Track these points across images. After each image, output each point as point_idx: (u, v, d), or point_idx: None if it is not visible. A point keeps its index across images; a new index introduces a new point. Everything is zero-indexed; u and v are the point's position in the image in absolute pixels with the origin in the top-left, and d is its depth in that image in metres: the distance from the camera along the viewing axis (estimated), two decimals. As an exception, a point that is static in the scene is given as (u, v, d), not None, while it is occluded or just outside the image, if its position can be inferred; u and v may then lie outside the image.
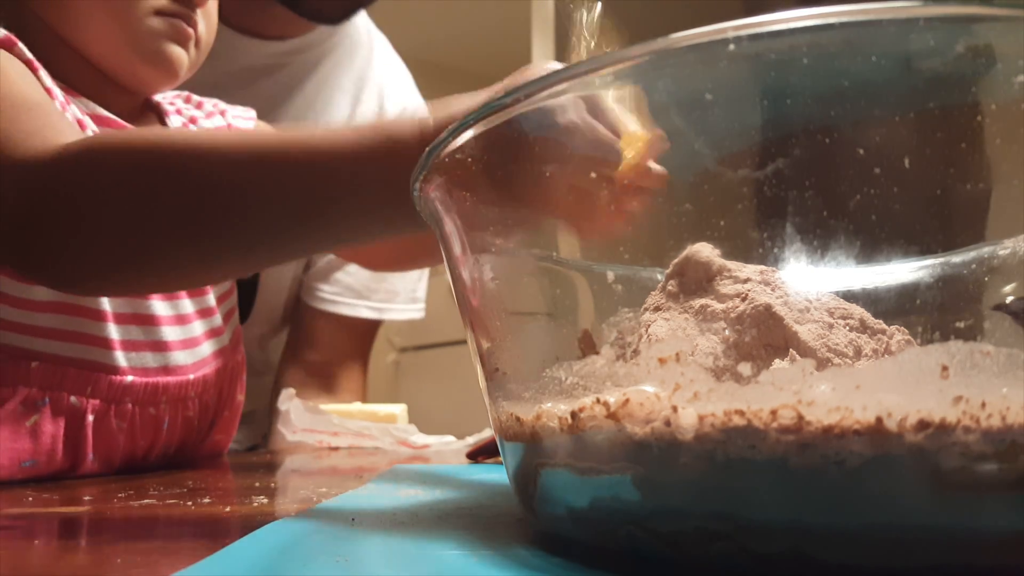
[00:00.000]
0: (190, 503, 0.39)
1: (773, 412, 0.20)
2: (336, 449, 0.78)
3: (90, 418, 0.55)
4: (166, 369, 0.59)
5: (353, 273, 0.93)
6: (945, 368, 0.21)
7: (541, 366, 0.29)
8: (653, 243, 0.30)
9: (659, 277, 0.30)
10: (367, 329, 0.97)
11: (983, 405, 0.20)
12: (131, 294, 0.55)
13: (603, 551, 0.24)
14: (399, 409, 0.83)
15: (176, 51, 0.57)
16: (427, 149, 0.29)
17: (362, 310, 0.94)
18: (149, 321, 0.58)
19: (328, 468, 0.61)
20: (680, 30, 0.22)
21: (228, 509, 0.37)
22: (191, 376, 0.61)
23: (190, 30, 0.57)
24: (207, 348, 0.63)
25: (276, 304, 0.94)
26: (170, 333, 0.59)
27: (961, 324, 0.25)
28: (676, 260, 0.29)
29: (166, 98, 0.65)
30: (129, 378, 0.56)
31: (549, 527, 0.28)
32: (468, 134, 0.27)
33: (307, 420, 0.76)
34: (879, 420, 0.19)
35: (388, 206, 0.39)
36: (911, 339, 0.27)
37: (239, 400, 0.69)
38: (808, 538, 0.20)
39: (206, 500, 0.40)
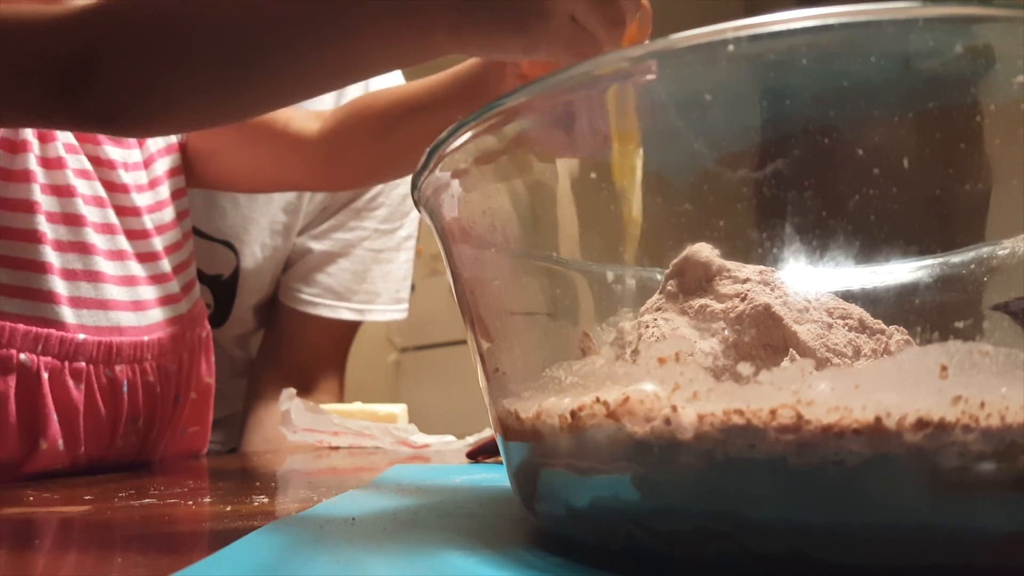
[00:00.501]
0: (191, 502, 0.39)
1: (772, 412, 0.20)
2: (336, 449, 0.78)
3: (45, 376, 0.54)
4: (119, 329, 0.58)
5: (334, 274, 0.92)
6: (944, 368, 0.21)
7: (541, 366, 0.29)
8: (653, 243, 0.30)
9: (659, 277, 0.30)
10: (346, 330, 0.96)
11: (982, 405, 0.20)
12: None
13: (603, 550, 0.24)
14: (399, 409, 0.83)
15: None
16: (427, 149, 0.29)
17: (343, 311, 0.92)
18: (95, 278, 0.57)
19: (328, 468, 0.61)
20: (680, 30, 0.22)
21: (229, 508, 0.37)
22: (145, 338, 0.60)
23: None
24: (159, 314, 0.62)
25: (255, 304, 0.93)
26: (116, 292, 0.59)
27: (960, 324, 0.25)
28: (675, 260, 0.29)
29: None
30: (80, 336, 0.56)
31: (549, 527, 0.28)
32: (468, 134, 0.27)
33: (307, 420, 0.76)
34: (878, 419, 0.19)
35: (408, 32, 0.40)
36: (910, 339, 0.28)
37: (208, 383, 0.68)
38: (807, 538, 0.20)
39: (207, 499, 0.40)
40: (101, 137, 0.61)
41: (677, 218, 0.28)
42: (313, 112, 0.71)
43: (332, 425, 0.76)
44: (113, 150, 0.61)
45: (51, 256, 0.55)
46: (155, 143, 0.65)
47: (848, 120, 0.25)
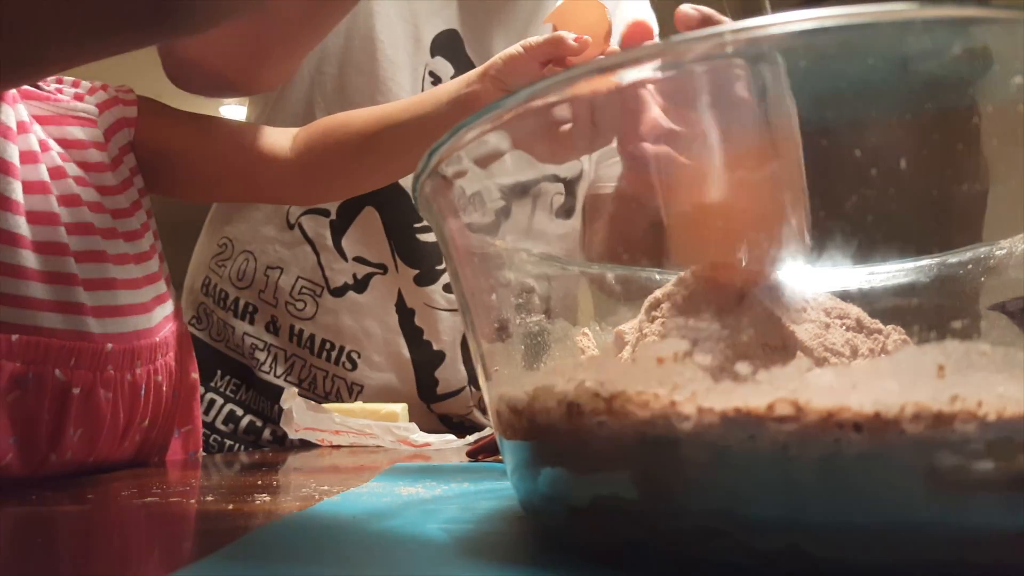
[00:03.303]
0: (192, 501, 0.39)
1: (770, 406, 0.20)
2: (338, 447, 0.78)
3: (75, 391, 0.54)
4: (137, 334, 0.58)
5: None
6: (941, 368, 0.21)
7: (540, 366, 0.30)
8: (652, 243, 0.30)
9: (658, 277, 0.30)
10: None
11: (979, 404, 0.20)
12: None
13: (603, 549, 0.24)
14: (400, 408, 0.83)
15: None
16: (428, 151, 0.29)
17: None
18: (110, 285, 0.57)
19: (330, 466, 0.61)
20: (679, 31, 0.22)
21: (231, 507, 0.37)
22: (156, 339, 0.60)
23: None
24: (160, 312, 0.62)
25: None
26: (127, 297, 0.59)
27: (958, 324, 0.25)
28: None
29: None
30: (109, 346, 0.56)
31: (549, 525, 0.28)
32: (469, 135, 0.27)
33: (309, 419, 0.76)
34: (876, 414, 0.19)
35: None
36: (907, 339, 0.28)
37: (193, 379, 0.68)
38: (807, 535, 0.20)
39: (209, 498, 0.40)
40: (87, 140, 0.60)
41: (677, 218, 0.28)
42: (281, 129, 0.71)
43: (333, 424, 0.76)
44: (95, 153, 0.61)
45: (74, 267, 0.55)
46: (117, 142, 0.64)
47: (846, 121, 0.25)
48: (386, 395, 0.90)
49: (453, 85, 0.64)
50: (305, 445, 0.80)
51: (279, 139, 0.70)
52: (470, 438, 0.74)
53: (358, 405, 0.84)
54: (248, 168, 0.69)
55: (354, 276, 0.91)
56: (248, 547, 0.26)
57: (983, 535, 0.20)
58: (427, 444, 0.76)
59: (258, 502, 0.38)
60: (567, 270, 0.32)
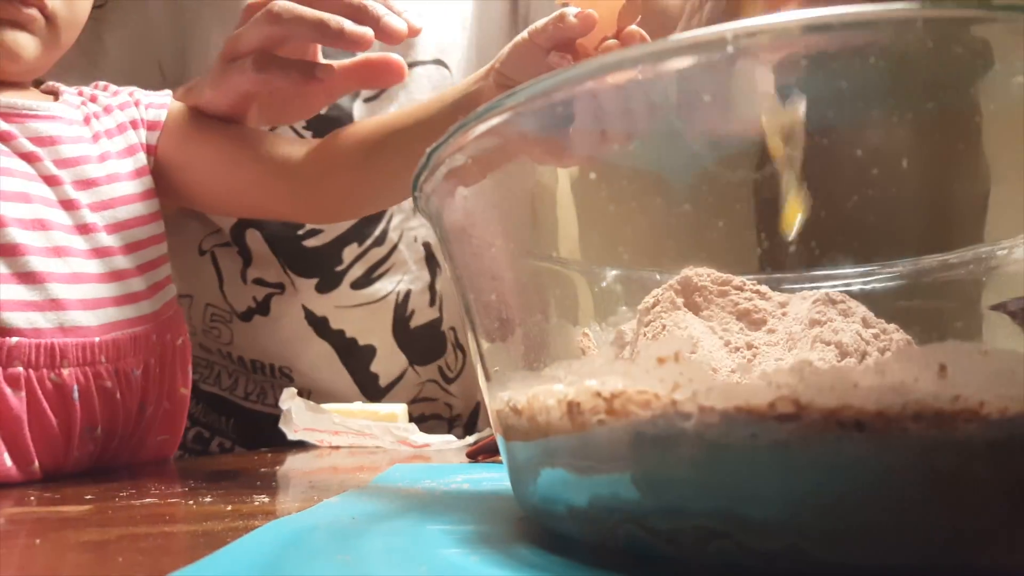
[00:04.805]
0: (191, 502, 0.39)
1: (772, 405, 0.20)
2: (337, 448, 0.78)
3: None
4: (62, 330, 0.55)
5: None
6: (943, 367, 0.21)
7: (540, 366, 0.30)
8: (652, 243, 0.30)
9: (657, 277, 0.30)
10: None
11: (981, 404, 0.20)
12: None
13: (603, 549, 0.24)
14: (400, 408, 0.83)
15: (14, 37, 0.54)
16: (428, 150, 0.29)
17: None
18: (28, 279, 0.54)
19: (329, 467, 0.61)
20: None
21: (229, 508, 0.37)
22: (96, 339, 0.57)
23: (29, 11, 0.55)
24: (116, 313, 0.59)
25: None
26: (59, 291, 0.55)
27: (959, 324, 0.25)
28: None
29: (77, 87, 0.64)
30: (12, 340, 0.52)
31: (549, 525, 0.28)
32: (469, 134, 0.27)
33: (308, 419, 0.76)
34: (878, 413, 0.19)
35: None
36: (910, 338, 0.28)
37: (183, 394, 0.65)
38: (806, 536, 0.20)
39: (207, 499, 0.40)
40: (14, 131, 0.57)
41: (676, 219, 0.28)
42: (302, 140, 0.69)
43: (333, 424, 0.76)
44: (28, 143, 0.58)
45: None
46: (114, 143, 0.63)
47: (847, 121, 0.25)
48: (336, 396, 0.87)
49: (460, 86, 0.62)
50: (303, 445, 0.80)
51: (292, 148, 0.68)
52: (470, 439, 0.74)
53: (358, 405, 0.84)
54: (261, 179, 0.67)
55: (254, 299, 0.88)
56: (248, 547, 0.26)
57: (984, 536, 0.20)
58: (427, 445, 0.76)
59: (257, 502, 0.38)
60: (567, 270, 0.32)
